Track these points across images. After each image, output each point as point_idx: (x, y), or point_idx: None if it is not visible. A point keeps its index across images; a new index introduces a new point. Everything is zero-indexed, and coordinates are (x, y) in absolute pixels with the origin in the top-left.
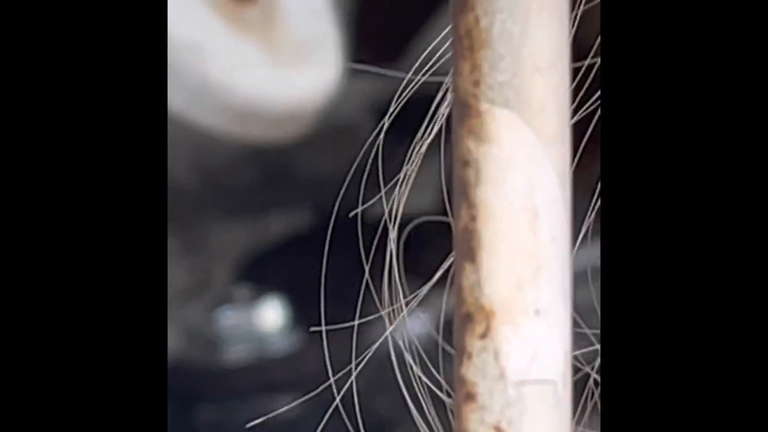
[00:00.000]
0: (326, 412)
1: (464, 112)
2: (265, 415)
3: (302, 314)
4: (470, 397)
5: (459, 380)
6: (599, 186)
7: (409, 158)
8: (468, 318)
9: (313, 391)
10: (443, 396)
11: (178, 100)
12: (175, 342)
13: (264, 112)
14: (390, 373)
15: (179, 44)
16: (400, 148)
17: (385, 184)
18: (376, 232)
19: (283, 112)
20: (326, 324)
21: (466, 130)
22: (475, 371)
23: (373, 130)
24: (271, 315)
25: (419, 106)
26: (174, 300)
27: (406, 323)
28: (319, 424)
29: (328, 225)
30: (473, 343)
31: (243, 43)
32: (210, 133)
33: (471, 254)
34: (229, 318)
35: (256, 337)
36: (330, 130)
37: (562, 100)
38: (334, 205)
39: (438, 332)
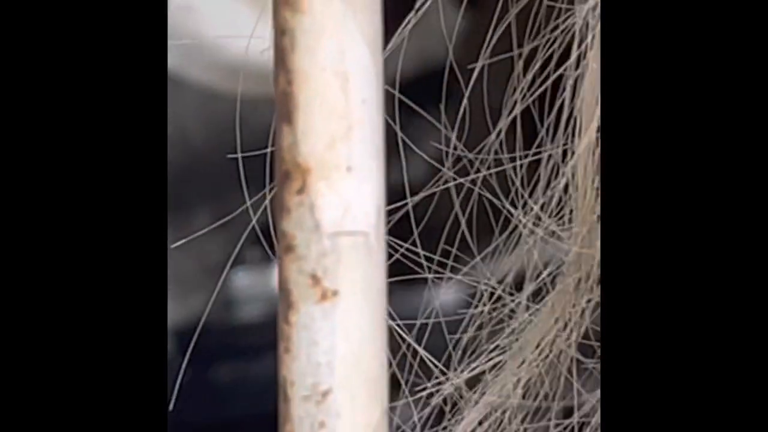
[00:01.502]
0: None
1: None
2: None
3: None
4: (289, 248)
5: (280, 234)
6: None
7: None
8: (286, 175)
9: None
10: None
11: (172, 58)
12: (194, 304)
13: (255, 68)
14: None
15: (173, 3)
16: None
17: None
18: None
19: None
20: None
21: (282, 1)
22: (293, 224)
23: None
24: None
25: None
26: (201, 264)
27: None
28: None
29: None
30: (291, 199)
31: (235, 1)
32: (206, 90)
33: (288, 116)
34: (243, 278)
35: (269, 297)
36: None
37: None
38: None
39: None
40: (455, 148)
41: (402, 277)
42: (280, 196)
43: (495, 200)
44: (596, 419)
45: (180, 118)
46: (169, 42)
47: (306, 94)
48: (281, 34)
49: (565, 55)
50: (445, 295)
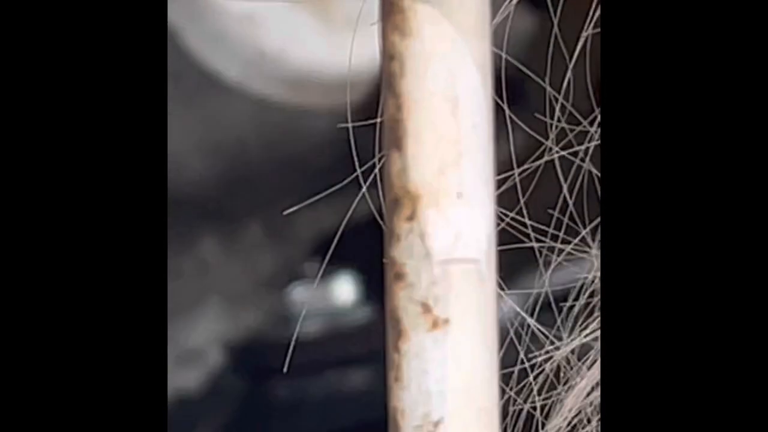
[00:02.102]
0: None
1: (389, 9)
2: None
3: (373, 290)
4: (399, 276)
5: (390, 261)
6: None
7: None
8: (396, 202)
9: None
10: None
11: (231, 69)
12: (249, 320)
13: (318, 80)
14: None
15: (235, 15)
16: None
17: None
18: None
19: (336, 80)
20: None
21: (390, 25)
22: (402, 252)
23: None
24: (344, 290)
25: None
26: (253, 281)
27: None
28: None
29: None
30: (401, 226)
31: (297, 13)
32: (267, 101)
33: (398, 143)
34: (300, 293)
35: (328, 312)
36: None
37: None
38: None
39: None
40: (559, 120)
41: (510, 245)
42: (389, 223)
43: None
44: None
45: (237, 128)
46: (232, 53)
47: (416, 120)
48: (389, 59)
49: None
50: (555, 267)
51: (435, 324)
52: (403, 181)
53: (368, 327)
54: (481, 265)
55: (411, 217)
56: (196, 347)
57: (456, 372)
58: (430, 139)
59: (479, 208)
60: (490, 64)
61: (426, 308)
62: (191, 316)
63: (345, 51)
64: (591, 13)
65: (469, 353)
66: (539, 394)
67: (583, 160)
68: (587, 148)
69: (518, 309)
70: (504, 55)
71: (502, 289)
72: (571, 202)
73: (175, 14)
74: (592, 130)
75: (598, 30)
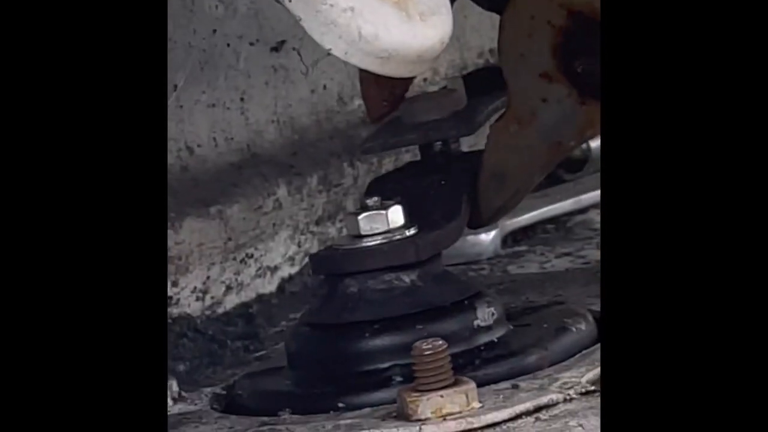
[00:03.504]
0: None
1: None
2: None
3: (414, 216)
4: None
5: None
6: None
7: None
8: None
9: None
10: None
11: (338, 48)
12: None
13: (401, 55)
14: None
15: (340, 6)
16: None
17: None
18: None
19: (414, 56)
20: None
21: None
22: None
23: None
24: (396, 215)
25: None
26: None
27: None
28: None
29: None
30: None
31: (385, 5)
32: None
33: None
34: (365, 218)
35: (385, 230)
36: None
37: None
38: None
39: None
40: None
41: None
42: None
43: None
44: None
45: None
46: (336, 36)
47: None
48: None
49: None
50: None
51: None
52: None
53: (415, 240)
54: None
55: None
56: (272, 264)
57: None
58: None
59: None
60: None
61: None
62: (269, 241)
63: (419, 35)
64: None
65: None
66: None
67: None
68: None
69: None
70: None
71: None
72: None
73: (295, 8)
74: None
75: None
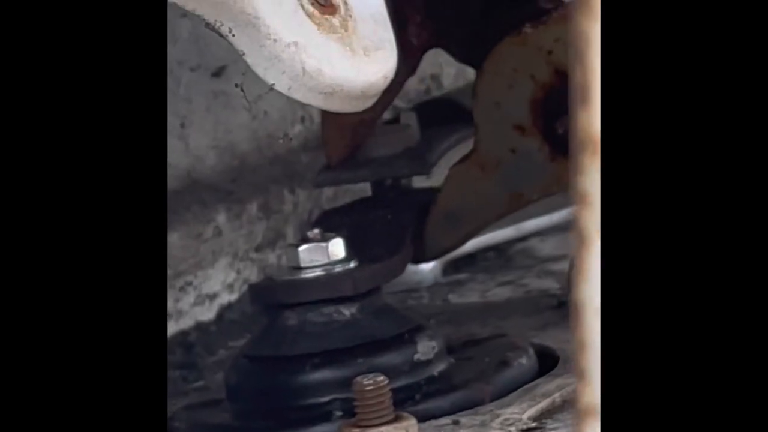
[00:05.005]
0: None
1: None
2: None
3: (354, 250)
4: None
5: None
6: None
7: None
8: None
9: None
10: None
11: (281, 83)
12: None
13: (345, 91)
14: None
15: (284, 42)
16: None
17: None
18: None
19: (358, 92)
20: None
21: None
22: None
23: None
24: (337, 247)
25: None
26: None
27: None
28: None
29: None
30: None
31: (329, 41)
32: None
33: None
34: (306, 250)
35: (325, 262)
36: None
37: None
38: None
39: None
40: None
41: None
42: (580, 158)
43: None
44: None
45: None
46: (280, 71)
47: None
48: None
49: None
50: None
51: None
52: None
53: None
54: None
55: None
56: (211, 292)
57: None
58: None
59: None
60: None
61: None
62: (208, 268)
63: (364, 71)
64: None
65: None
66: None
67: None
68: None
69: None
70: None
71: None
72: None
73: (239, 42)
74: None
75: None
